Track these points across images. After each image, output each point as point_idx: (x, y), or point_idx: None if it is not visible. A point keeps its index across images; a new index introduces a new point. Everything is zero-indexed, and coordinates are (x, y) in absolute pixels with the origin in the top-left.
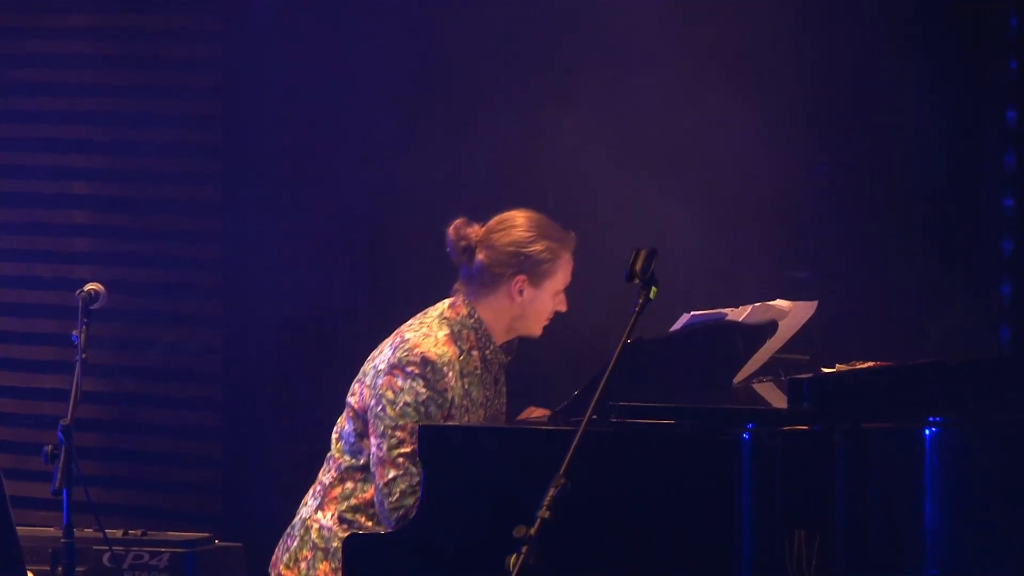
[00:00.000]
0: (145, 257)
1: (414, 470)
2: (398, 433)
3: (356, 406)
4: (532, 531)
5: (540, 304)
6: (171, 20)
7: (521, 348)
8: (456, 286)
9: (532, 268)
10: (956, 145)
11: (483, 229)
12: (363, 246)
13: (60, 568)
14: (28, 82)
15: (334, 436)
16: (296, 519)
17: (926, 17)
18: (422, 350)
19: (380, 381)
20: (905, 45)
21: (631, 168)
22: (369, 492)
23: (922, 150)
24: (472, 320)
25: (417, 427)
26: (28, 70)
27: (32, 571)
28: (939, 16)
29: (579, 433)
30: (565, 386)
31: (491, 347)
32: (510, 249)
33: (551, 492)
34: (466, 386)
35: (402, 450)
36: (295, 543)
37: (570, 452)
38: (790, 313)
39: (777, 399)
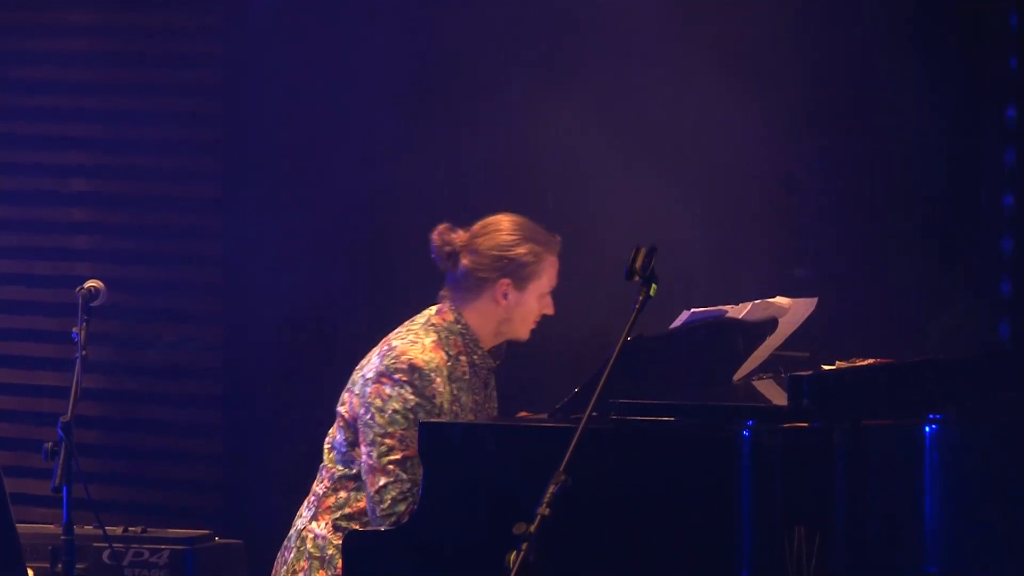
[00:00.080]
0: (145, 254)
1: (404, 476)
2: (387, 440)
3: (346, 415)
4: (532, 528)
5: (526, 307)
6: (171, 18)
7: (521, 347)
8: (442, 292)
9: (516, 271)
10: (956, 143)
11: (467, 234)
12: (363, 245)
13: (60, 565)
14: (28, 80)
15: (326, 446)
16: (292, 531)
17: (926, 16)
18: (409, 357)
19: (369, 390)
20: (905, 44)
21: (631, 167)
22: (363, 501)
23: (922, 148)
24: (459, 325)
25: (407, 434)
26: (28, 68)
27: (32, 568)
28: (939, 15)
29: (579, 430)
30: (566, 385)
31: (479, 352)
32: (494, 253)
33: (551, 489)
34: (455, 391)
35: (392, 457)
36: (291, 555)
37: (570, 449)
38: (790, 310)
39: (777, 396)
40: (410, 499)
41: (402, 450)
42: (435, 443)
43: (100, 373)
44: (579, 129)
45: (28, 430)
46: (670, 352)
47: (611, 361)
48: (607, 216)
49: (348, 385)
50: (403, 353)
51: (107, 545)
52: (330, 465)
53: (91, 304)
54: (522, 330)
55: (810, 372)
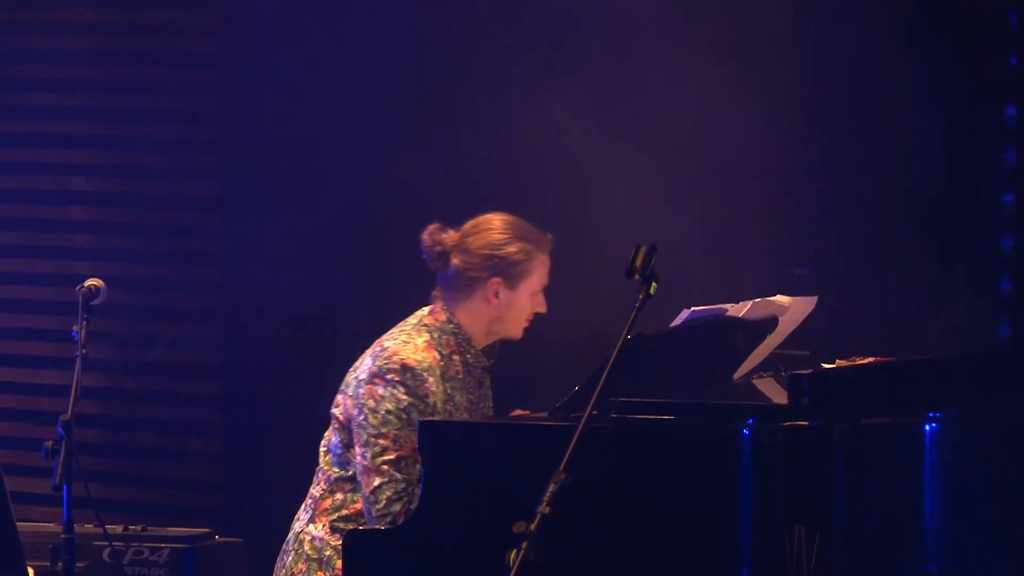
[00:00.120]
0: (145, 253)
1: (399, 476)
2: (381, 441)
3: (340, 417)
4: (532, 527)
5: (517, 306)
6: (171, 16)
7: (522, 347)
8: (434, 292)
9: (507, 270)
10: (956, 142)
11: (458, 234)
12: (363, 245)
13: (60, 564)
14: (29, 78)
15: (322, 449)
16: (290, 534)
17: (926, 15)
18: (401, 357)
19: (362, 391)
20: (905, 43)
21: (631, 167)
22: (359, 502)
23: (922, 147)
24: (451, 325)
25: (400, 434)
26: (28, 66)
27: (32, 567)
28: (939, 13)
29: (579, 429)
30: (566, 384)
31: (472, 351)
32: (484, 252)
33: (551, 488)
34: (449, 391)
35: (386, 457)
36: (289, 558)
37: (570, 447)
38: (790, 309)
39: (777, 395)
40: (405, 499)
41: (396, 450)
42: (435, 442)
43: (100, 372)
44: (579, 129)
45: (28, 428)
46: (670, 351)
47: (611, 360)
48: (607, 216)
49: (342, 387)
50: (395, 353)
51: (107, 544)
52: (326, 468)
53: (91, 303)
54: (515, 329)
55: (810, 371)
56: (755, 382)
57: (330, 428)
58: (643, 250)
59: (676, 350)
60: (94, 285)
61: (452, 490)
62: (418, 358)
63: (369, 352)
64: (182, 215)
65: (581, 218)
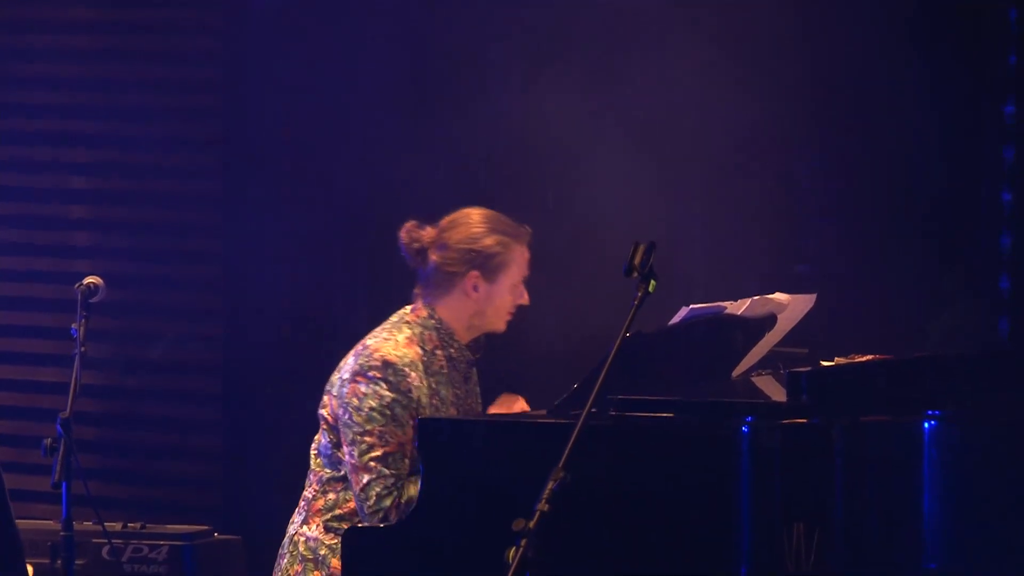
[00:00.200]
0: (144, 251)
1: (387, 472)
2: (367, 439)
3: (328, 417)
4: (531, 524)
5: (498, 299)
6: (171, 14)
7: (521, 346)
8: (415, 290)
9: (485, 263)
10: (955, 141)
11: (435, 230)
12: (363, 244)
13: (59, 561)
14: (28, 76)
15: (312, 452)
16: (285, 538)
17: (926, 15)
18: (382, 354)
19: (345, 390)
20: (905, 42)
21: (632, 165)
22: (352, 501)
23: (922, 146)
24: (433, 321)
25: (385, 430)
26: (28, 64)
27: (32, 564)
28: (939, 13)
29: (578, 426)
30: (565, 382)
31: (455, 345)
32: (462, 246)
33: (550, 485)
34: (433, 385)
35: (373, 454)
36: (285, 561)
37: (569, 445)
38: (789, 306)
39: (776, 392)
40: (395, 493)
41: (383, 446)
42: (434, 439)
43: (99, 369)
44: (579, 128)
45: (27, 426)
46: (669, 348)
47: (610, 357)
48: (607, 216)
49: (327, 387)
50: (376, 351)
51: (106, 541)
52: (317, 469)
53: (90, 300)
54: (497, 322)
55: (809, 368)
56: (754, 380)
57: (319, 430)
58: (642, 248)
59: (675, 348)
60: (93, 283)
61: (451, 488)
62: (399, 354)
63: (352, 352)
64: (182, 213)
65: (581, 218)
